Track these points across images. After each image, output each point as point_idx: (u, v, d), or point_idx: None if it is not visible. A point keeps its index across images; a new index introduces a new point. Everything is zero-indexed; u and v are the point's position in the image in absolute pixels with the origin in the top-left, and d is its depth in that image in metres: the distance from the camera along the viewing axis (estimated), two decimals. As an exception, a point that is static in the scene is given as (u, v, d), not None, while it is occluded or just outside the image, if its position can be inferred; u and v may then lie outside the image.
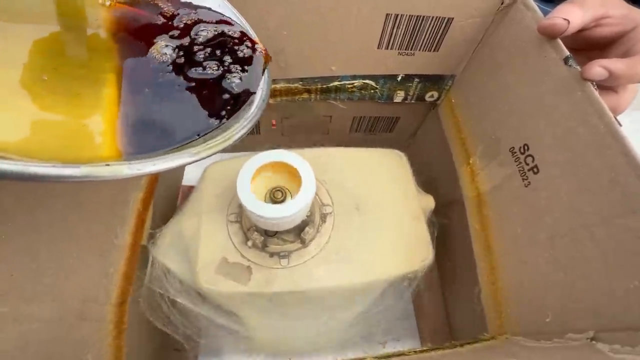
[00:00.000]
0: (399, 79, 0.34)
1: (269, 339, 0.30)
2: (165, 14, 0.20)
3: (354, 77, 0.34)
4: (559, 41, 0.22)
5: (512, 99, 0.26)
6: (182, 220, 0.28)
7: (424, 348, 0.23)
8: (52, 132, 0.14)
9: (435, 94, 0.36)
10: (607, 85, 0.22)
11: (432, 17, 0.28)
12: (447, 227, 0.34)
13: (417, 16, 0.28)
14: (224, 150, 0.17)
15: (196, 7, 0.21)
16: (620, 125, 0.19)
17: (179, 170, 0.44)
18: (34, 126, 0.14)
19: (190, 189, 0.42)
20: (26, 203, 0.20)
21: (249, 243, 0.26)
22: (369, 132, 0.44)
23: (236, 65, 0.19)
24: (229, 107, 0.18)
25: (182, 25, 0.20)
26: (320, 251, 0.27)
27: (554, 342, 0.19)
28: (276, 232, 0.26)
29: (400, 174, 0.31)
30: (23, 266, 0.19)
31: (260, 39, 0.21)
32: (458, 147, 0.32)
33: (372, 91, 0.36)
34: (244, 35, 0.21)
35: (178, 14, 0.20)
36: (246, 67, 0.19)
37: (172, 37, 0.19)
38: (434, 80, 0.35)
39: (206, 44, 0.20)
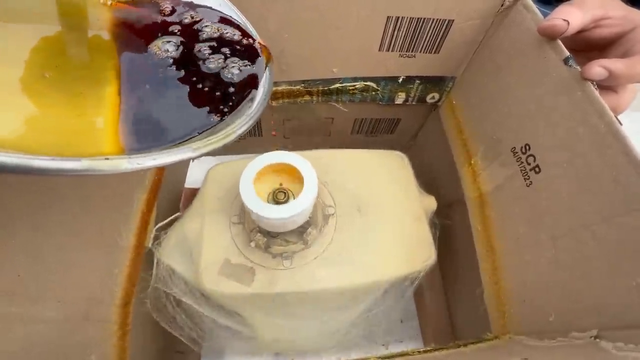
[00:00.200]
0: (400, 80, 0.35)
1: (272, 339, 0.30)
2: (166, 11, 0.20)
3: (355, 79, 0.34)
4: (559, 42, 0.22)
5: (512, 99, 0.26)
6: (185, 222, 0.29)
7: (427, 348, 0.23)
8: (53, 129, 0.14)
9: (436, 96, 0.37)
10: (607, 85, 0.22)
11: (433, 20, 0.28)
12: (449, 228, 0.34)
13: (418, 18, 0.28)
14: (226, 147, 0.16)
15: (196, 6, 0.21)
16: (621, 124, 0.19)
17: (182, 173, 0.44)
18: (35, 124, 0.14)
19: (193, 191, 0.42)
20: (32, 203, 0.20)
21: (252, 244, 0.26)
22: (371, 133, 0.44)
23: (237, 62, 0.19)
24: (230, 103, 0.18)
25: (183, 23, 0.20)
26: (323, 252, 0.27)
27: (558, 341, 0.20)
28: (279, 234, 0.26)
29: (401, 175, 0.32)
30: (29, 266, 0.19)
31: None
32: (459, 148, 0.33)
33: (373, 93, 0.36)
34: (244, 33, 0.21)
35: (178, 12, 0.21)
36: (247, 64, 0.19)
37: (172, 34, 0.20)
38: (435, 82, 0.35)
39: (207, 41, 0.20)
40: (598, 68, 0.20)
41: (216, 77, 0.19)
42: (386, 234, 0.28)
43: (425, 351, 0.23)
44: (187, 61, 0.19)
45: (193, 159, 0.15)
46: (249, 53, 0.20)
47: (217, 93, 0.18)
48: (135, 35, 0.19)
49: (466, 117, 0.32)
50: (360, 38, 0.30)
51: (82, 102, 0.16)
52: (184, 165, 0.45)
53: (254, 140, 0.44)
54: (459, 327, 0.35)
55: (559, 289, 0.21)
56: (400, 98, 0.37)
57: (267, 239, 0.26)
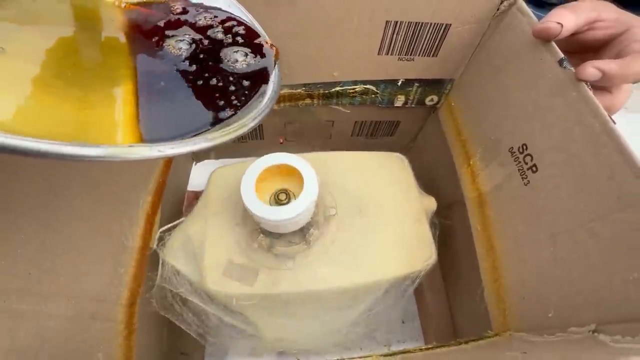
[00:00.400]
0: (400, 83, 0.35)
1: (276, 338, 0.30)
2: (177, 12, 0.21)
3: (356, 83, 0.35)
4: (554, 44, 0.23)
5: (510, 101, 0.27)
6: (189, 224, 0.29)
7: (429, 346, 0.24)
8: (72, 124, 0.15)
9: (435, 98, 0.37)
10: (602, 86, 0.23)
11: (431, 24, 0.29)
12: (449, 228, 0.34)
13: (416, 23, 0.29)
14: (229, 145, 0.17)
15: (207, 7, 0.22)
16: (615, 123, 0.19)
17: (185, 176, 0.45)
18: (54, 118, 0.14)
19: (196, 194, 0.42)
20: (41, 202, 0.20)
21: (255, 245, 0.27)
22: (371, 136, 0.44)
23: (248, 58, 0.20)
24: (243, 98, 0.19)
25: (194, 22, 0.21)
26: (325, 252, 0.27)
27: (557, 336, 0.20)
28: (282, 234, 0.27)
29: (401, 177, 0.32)
30: (40, 264, 0.20)
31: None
32: (458, 149, 0.33)
33: (373, 96, 0.37)
34: (253, 32, 0.22)
35: (189, 12, 0.22)
36: (258, 59, 0.20)
37: (185, 33, 0.21)
38: (434, 85, 0.35)
39: (218, 39, 0.21)
40: (592, 69, 0.21)
41: (228, 72, 0.19)
42: (387, 234, 0.28)
43: (427, 348, 0.23)
44: (199, 58, 0.20)
45: (209, 149, 0.16)
46: (258, 50, 0.21)
47: (230, 87, 0.19)
48: (149, 34, 0.20)
49: (465, 118, 0.33)
50: (360, 42, 0.31)
51: (100, 97, 0.16)
52: (186, 168, 0.45)
53: (255, 144, 0.45)
54: (461, 327, 0.35)
55: (557, 286, 0.22)
56: (399, 101, 0.37)
57: (270, 240, 0.27)
